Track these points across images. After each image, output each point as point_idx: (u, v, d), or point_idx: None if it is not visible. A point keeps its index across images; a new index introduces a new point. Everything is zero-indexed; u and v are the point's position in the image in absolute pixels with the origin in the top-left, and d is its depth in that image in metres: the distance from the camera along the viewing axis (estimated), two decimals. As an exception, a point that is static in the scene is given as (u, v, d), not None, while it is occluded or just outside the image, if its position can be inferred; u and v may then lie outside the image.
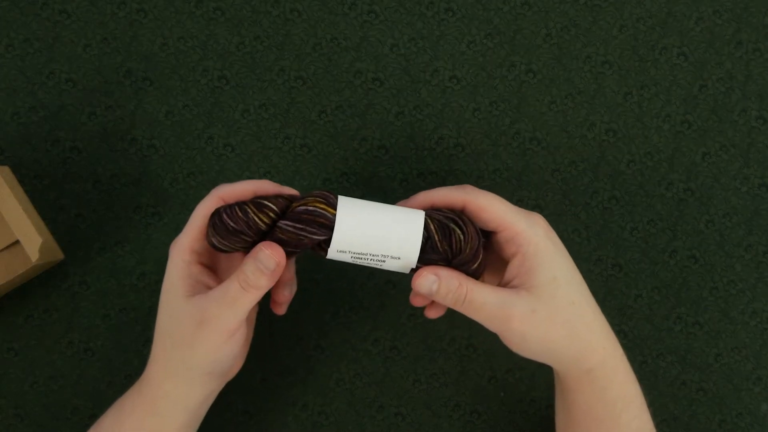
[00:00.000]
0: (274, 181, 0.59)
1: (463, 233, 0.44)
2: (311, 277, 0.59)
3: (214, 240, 0.45)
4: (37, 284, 0.58)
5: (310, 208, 0.44)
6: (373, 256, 0.45)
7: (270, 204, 0.44)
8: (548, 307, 0.44)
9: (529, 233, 0.45)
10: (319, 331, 0.59)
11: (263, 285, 0.43)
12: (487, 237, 0.48)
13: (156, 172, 0.59)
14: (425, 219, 0.45)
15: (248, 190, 0.45)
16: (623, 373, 0.48)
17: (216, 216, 0.44)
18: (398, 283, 0.60)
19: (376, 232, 0.44)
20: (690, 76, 0.61)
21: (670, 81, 0.61)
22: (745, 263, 0.60)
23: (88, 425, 0.53)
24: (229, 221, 0.44)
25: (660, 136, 0.61)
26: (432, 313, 0.51)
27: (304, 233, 0.44)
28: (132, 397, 0.48)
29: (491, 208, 0.45)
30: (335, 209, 0.44)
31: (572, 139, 0.60)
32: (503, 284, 0.46)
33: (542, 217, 0.47)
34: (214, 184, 0.59)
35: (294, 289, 0.50)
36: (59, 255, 0.57)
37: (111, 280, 0.58)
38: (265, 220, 0.44)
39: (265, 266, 0.43)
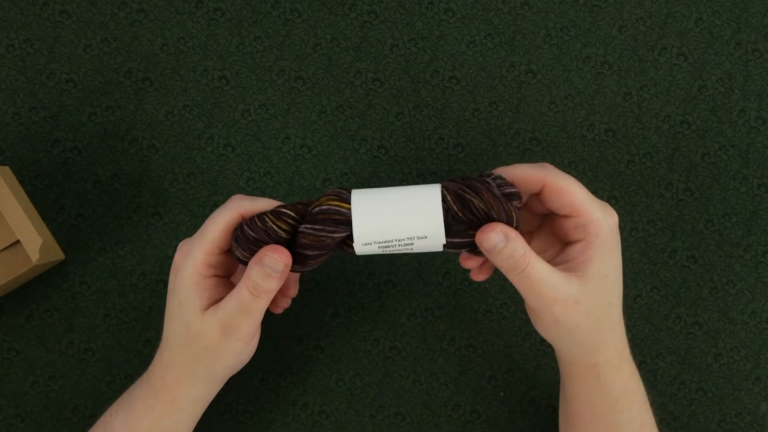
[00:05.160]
0: (274, 182, 0.59)
1: (482, 200, 0.43)
2: (311, 277, 0.59)
3: (237, 253, 0.45)
4: (38, 284, 0.58)
5: (324, 207, 0.44)
6: (399, 241, 0.44)
7: (287, 211, 0.44)
8: (590, 302, 0.44)
9: (601, 225, 0.44)
10: (319, 331, 0.59)
11: (273, 288, 0.44)
12: (519, 197, 0.46)
13: (156, 172, 0.59)
14: (442, 191, 0.44)
15: (269, 208, 0.45)
16: (627, 371, 0.48)
17: (238, 229, 0.45)
18: (398, 283, 0.60)
19: (395, 217, 0.43)
20: (689, 77, 0.61)
21: (670, 81, 0.61)
22: (744, 263, 0.60)
23: (89, 425, 0.53)
24: (249, 232, 0.44)
25: (659, 137, 0.61)
26: (480, 276, 0.50)
27: (324, 233, 0.44)
28: (144, 399, 0.48)
29: (570, 193, 0.44)
30: (349, 203, 0.44)
31: (572, 139, 0.61)
32: (556, 263, 0.46)
33: (614, 210, 0.46)
34: (214, 184, 0.59)
35: (296, 290, 0.52)
36: (59, 255, 0.57)
37: (111, 280, 0.58)
38: (284, 227, 0.44)
39: (273, 269, 0.43)
